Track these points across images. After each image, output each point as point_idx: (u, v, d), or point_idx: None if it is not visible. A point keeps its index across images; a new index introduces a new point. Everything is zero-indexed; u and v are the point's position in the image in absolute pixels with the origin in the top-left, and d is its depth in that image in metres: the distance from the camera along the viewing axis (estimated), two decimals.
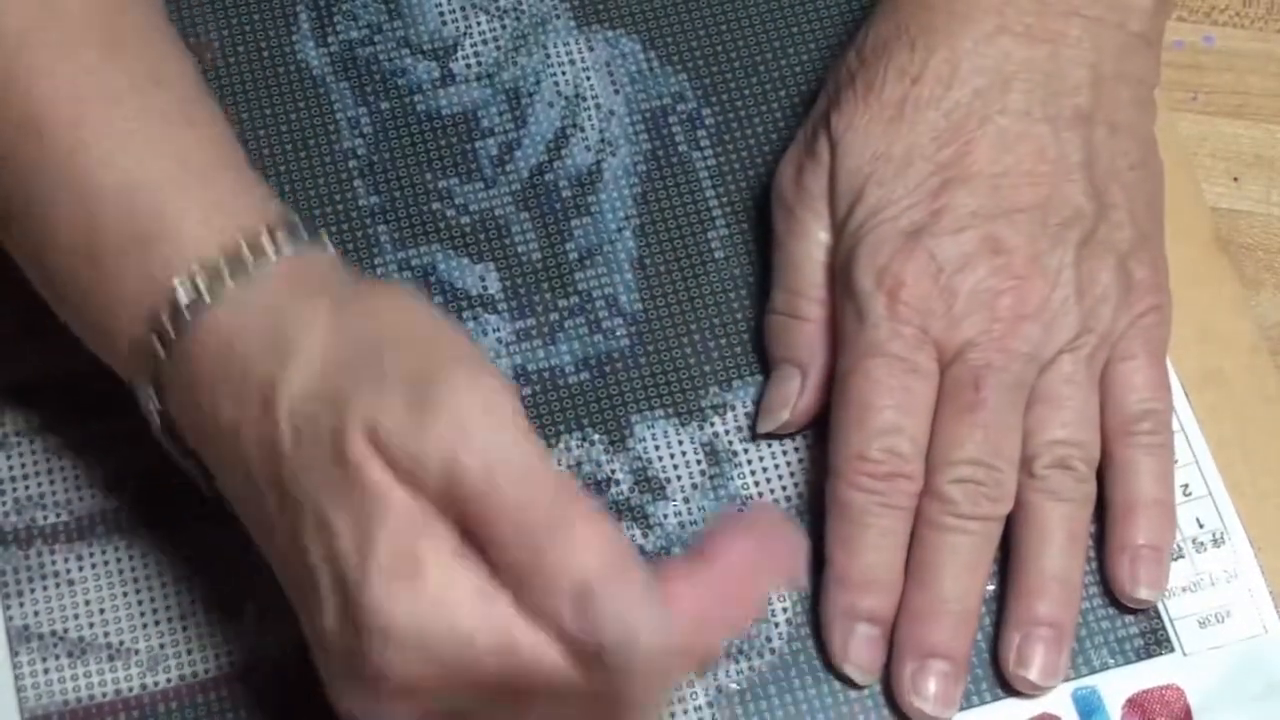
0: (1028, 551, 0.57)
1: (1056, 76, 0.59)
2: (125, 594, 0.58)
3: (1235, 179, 0.67)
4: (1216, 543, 0.60)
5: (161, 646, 0.58)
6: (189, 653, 0.57)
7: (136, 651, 0.58)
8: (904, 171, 0.58)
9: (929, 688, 0.56)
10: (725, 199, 0.64)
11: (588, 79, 0.66)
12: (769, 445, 0.61)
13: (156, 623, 0.58)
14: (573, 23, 0.67)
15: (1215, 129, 0.68)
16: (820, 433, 0.60)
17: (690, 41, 0.67)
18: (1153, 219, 0.60)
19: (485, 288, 0.63)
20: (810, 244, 0.60)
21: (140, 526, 0.59)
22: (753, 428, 0.61)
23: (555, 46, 0.67)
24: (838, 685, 0.57)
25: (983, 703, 0.57)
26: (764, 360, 0.62)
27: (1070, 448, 0.57)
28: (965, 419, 0.56)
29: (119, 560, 0.59)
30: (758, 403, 0.61)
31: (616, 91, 0.66)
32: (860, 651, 0.57)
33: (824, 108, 0.61)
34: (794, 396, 0.60)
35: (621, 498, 0.60)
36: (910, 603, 0.56)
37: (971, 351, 0.57)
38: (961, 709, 0.57)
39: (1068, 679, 0.58)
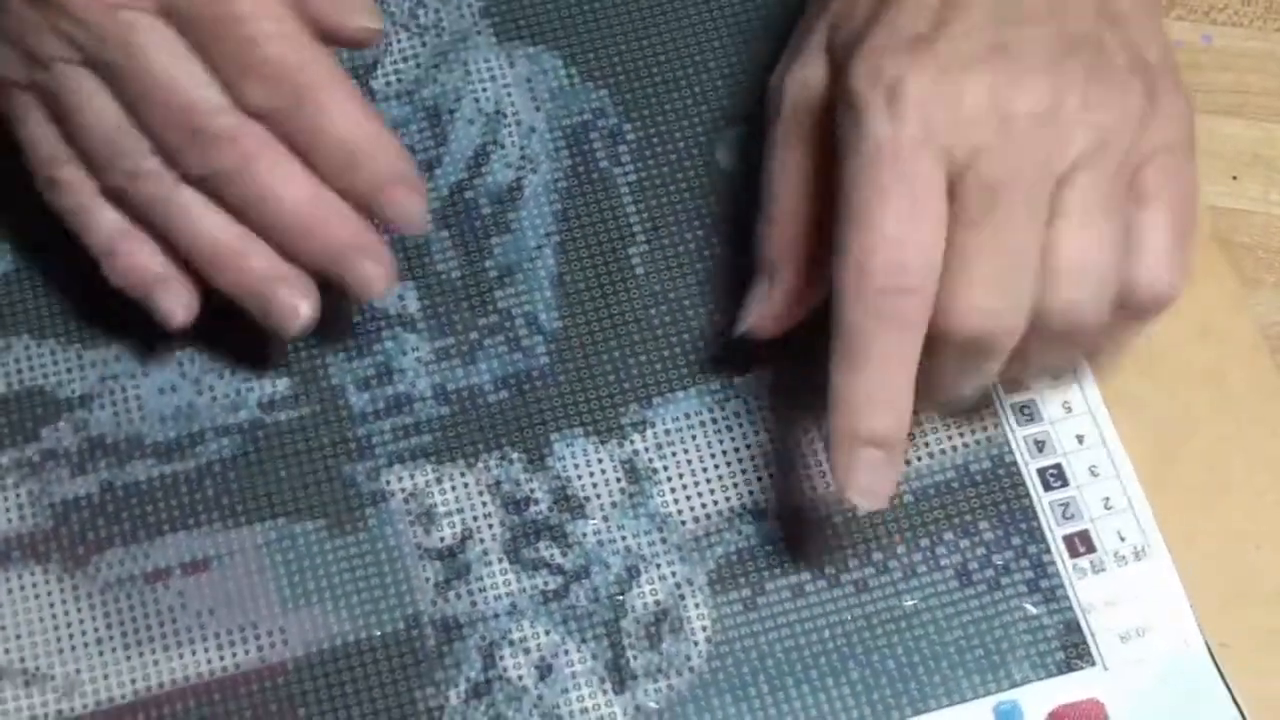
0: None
1: None
2: (42, 619, 0.58)
3: (1234, 177, 0.67)
4: (1138, 556, 0.60)
5: (78, 672, 0.57)
6: (105, 678, 0.57)
7: (53, 677, 0.57)
8: (903, 4, 0.55)
9: None
10: (646, 215, 0.64)
11: (508, 95, 0.66)
12: (689, 463, 0.61)
13: (73, 648, 0.58)
14: (493, 38, 0.67)
15: (1214, 128, 0.67)
16: (743, 451, 0.60)
17: (611, 57, 0.67)
18: (1166, 50, 0.57)
19: (404, 306, 0.63)
20: (782, 147, 0.58)
21: (56, 552, 0.59)
22: (672, 445, 0.61)
23: (476, 63, 0.66)
24: (757, 704, 0.57)
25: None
26: (685, 376, 0.62)
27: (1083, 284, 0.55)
28: (980, 235, 0.53)
29: (35, 586, 0.58)
30: (678, 419, 0.61)
31: (537, 108, 0.66)
32: (863, 476, 0.54)
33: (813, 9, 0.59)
34: (760, 299, 0.58)
35: (540, 516, 0.60)
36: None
37: (982, 159, 0.53)
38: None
39: (989, 693, 0.58)
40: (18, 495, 0.59)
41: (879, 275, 0.53)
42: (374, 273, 0.57)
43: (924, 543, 0.59)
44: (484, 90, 0.66)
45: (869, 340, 0.53)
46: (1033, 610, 0.59)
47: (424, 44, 0.66)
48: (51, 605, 0.58)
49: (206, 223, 0.57)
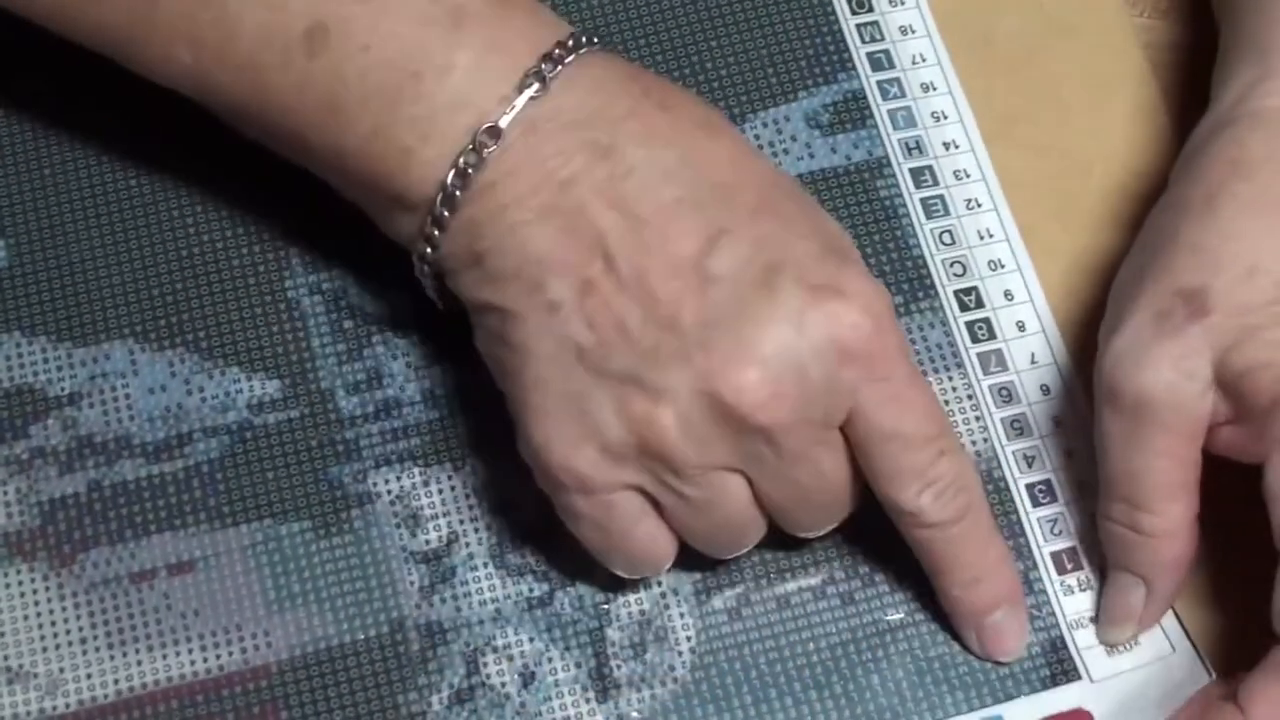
0: None
1: None
2: (26, 617, 0.58)
3: None
4: None
5: (61, 671, 0.57)
6: (88, 678, 0.57)
7: (36, 675, 0.57)
8: None
9: None
10: None
11: None
12: None
13: (57, 647, 0.58)
14: None
15: None
16: None
17: None
18: None
19: (396, 311, 0.62)
20: (1151, 454, 0.56)
21: (42, 550, 0.59)
22: None
23: None
24: (740, 715, 0.57)
25: None
26: None
27: None
28: None
29: (20, 583, 0.58)
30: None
31: None
32: None
33: (1163, 250, 0.57)
34: (1139, 608, 0.58)
35: (527, 522, 0.59)
36: None
37: None
38: None
39: (973, 709, 0.57)
40: (5, 493, 0.59)
41: None
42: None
43: (912, 557, 0.59)
44: None
45: None
46: None
47: None
48: (36, 603, 0.58)
49: None
